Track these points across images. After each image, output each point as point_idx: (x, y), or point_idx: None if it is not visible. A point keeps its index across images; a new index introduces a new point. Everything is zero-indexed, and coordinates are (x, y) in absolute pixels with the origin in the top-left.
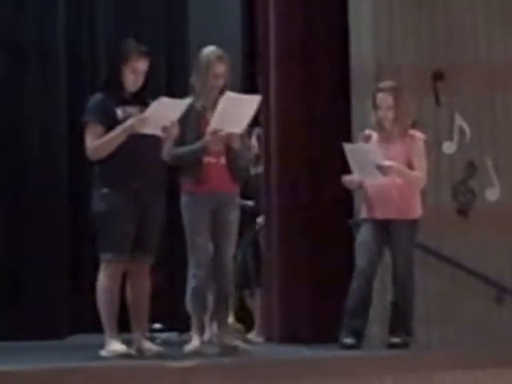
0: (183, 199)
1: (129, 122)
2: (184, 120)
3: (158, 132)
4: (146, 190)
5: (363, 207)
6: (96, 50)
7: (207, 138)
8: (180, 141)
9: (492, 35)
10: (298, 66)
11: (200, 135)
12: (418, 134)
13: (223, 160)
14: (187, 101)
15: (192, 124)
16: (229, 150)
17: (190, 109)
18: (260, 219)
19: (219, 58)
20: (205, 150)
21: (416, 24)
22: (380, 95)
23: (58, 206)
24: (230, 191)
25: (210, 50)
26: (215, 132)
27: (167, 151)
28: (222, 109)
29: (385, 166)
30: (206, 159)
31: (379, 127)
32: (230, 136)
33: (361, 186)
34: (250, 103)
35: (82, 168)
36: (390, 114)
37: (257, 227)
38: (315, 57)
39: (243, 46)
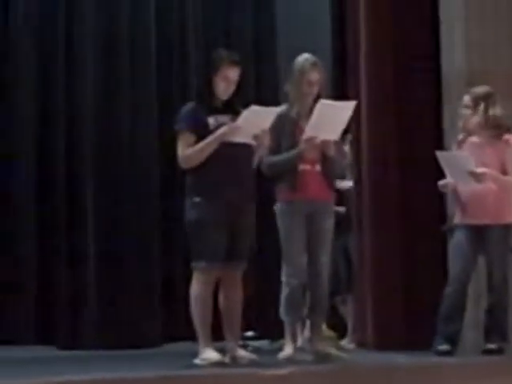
0: (279, 207)
1: (221, 131)
2: (279, 128)
3: (250, 140)
4: (237, 199)
5: (457, 212)
6: (186, 61)
7: (302, 145)
8: (275, 149)
9: None
10: (388, 71)
11: (295, 143)
12: None
13: (318, 167)
14: (278, 109)
15: (287, 132)
16: (324, 158)
17: (284, 117)
18: (341, 208)
19: (313, 65)
20: (300, 158)
21: (509, 27)
22: (465, 97)
23: (151, 215)
24: (326, 199)
25: (304, 57)
26: (310, 139)
27: (263, 160)
28: (316, 116)
29: (478, 173)
30: (302, 167)
31: (468, 131)
32: (324, 143)
33: (455, 190)
34: (344, 110)
35: (173, 177)
36: (470, 116)
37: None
38: (406, 61)
39: (333, 52)
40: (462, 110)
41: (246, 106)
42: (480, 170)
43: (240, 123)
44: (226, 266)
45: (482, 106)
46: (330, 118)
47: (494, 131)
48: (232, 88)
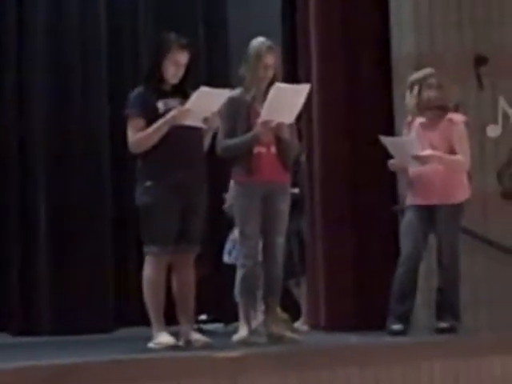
0: (234, 189)
1: (170, 114)
2: (234, 112)
3: (200, 123)
4: (188, 182)
5: (408, 193)
6: (137, 45)
7: (258, 128)
8: (230, 132)
9: None
10: (339, 54)
11: (250, 126)
12: (457, 117)
13: (273, 150)
14: (227, 91)
15: (242, 116)
16: (278, 140)
17: (239, 100)
18: (295, 190)
19: (269, 48)
20: (255, 141)
21: (457, 9)
22: (419, 75)
23: (101, 201)
24: (281, 180)
25: (259, 41)
26: (266, 123)
27: (218, 143)
28: (271, 99)
29: (422, 156)
30: (257, 149)
31: (418, 112)
32: (279, 126)
33: (405, 169)
34: (299, 93)
35: (124, 162)
36: (410, 101)
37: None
38: (356, 45)
39: (283, 36)
40: (406, 93)
41: (196, 89)
42: (424, 152)
43: (189, 106)
44: (178, 250)
45: (416, 89)
46: (285, 102)
47: (438, 112)
48: (181, 72)
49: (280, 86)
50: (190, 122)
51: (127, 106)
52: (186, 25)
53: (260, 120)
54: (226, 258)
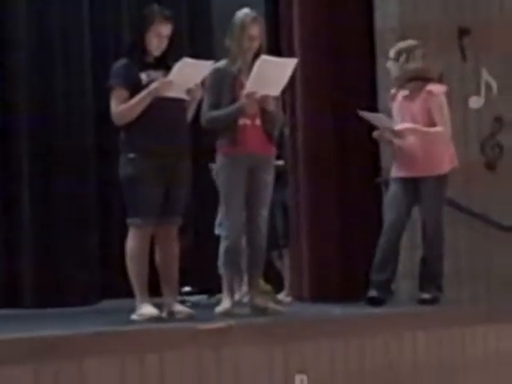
0: (219, 161)
1: (153, 86)
2: (219, 83)
3: (183, 95)
4: (172, 153)
5: (393, 165)
6: (119, 16)
7: (243, 100)
8: (215, 104)
9: None
10: (322, 25)
11: (235, 98)
12: (437, 88)
13: (258, 122)
14: (210, 62)
15: (227, 87)
16: (264, 112)
17: (224, 72)
18: (279, 162)
19: (254, 19)
20: (241, 113)
21: None
22: (391, 51)
23: (85, 173)
24: (266, 152)
25: (244, 12)
26: (251, 94)
27: (203, 114)
28: (257, 72)
29: (398, 130)
30: (242, 121)
31: (400, 83)
32: (264, 98)
33: (390, 142)
34: (285, 66)
35: (108, 134)
36: (394, 72)
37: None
38: (340, 16)
39: (266, 7)
40: (388, 64)
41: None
42: (398, 127)
43: (172, 77)
44: (161, 222)
45: (402, 59)
46: (271, 74)
47: (420, 83)
48: (164, 44)
49: (266, 59)
50: (173, 93)
51: (110, 77)
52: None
53: (245, 92)
54: (217, 230)
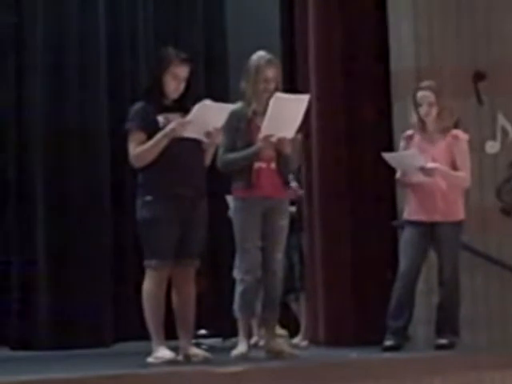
0: (234, 204)
1: (171, 126)
2: (234, 126)
3: (201, 137)
4: (188, 196)
5: (406, 209)
6: (136, 59)
7: (259, 143)
8: (230, 147)
9: None
10: (337, 69)
11: (251, 141)
12: (462, 134)
13: (273, 165)
14: (231, 106)
15: (242, 130)
16: (279, 155)
17: (240, 115)
18: (292, 208)
19: (269, 61)
20: (256, 156)
21: (456, 24)
22: (421, 93)
23: (101, 215)
24: (281, 196)
25: (259, 54)
26: (267, 137)
27: (218, 157)
28: (272, 110)
29: (428, 168)
30: (257, 165)
31: (421, 127)
32: (281, 141)
33: (411, 185)
34: (299, 103)
35: (124, 177)
36: (433, 111)
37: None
38: (355, 59)
39: (283, 50)
40: (411, 106)
41: (196, 104)
42: (430, 165)
43: (190, 118)
44: (178, 264)
45: (430, 98)
46: (285, 113)
47: (443, 125)
48: (182, 86)
49: (279, 96)
50: (190, 134)
51: (128, 120)
52: (185, 39)
53: (261, 135)
54: (235, 273)
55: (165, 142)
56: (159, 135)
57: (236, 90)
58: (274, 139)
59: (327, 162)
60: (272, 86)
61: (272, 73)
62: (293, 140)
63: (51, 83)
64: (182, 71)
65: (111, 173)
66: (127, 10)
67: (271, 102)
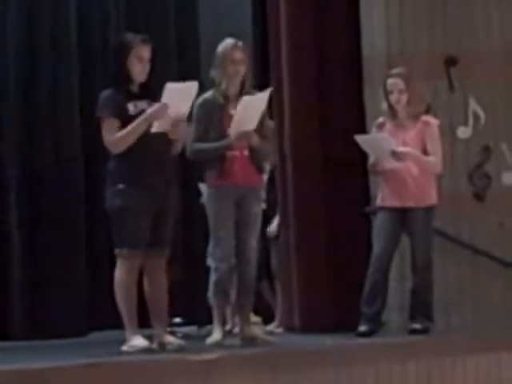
0: (207, 192)
1: (149, 111)
2: (206, 114)
3: (168, 127)
4: (160, 184)
5: (379, 195)
6: (107, 49)
7: (230, 139)
8: (202, 135)
9: (505, 19)
10: (309, 56)
11: (223, 130)
12: (433, 120)
13: (247, 152)
14: (196, 83)
15: (215, 118)
16: (251, 145)
17: (211, 103)
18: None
19: (235, 45)
20: (228, 149)
21: (428, 10)
22: (390, 80)
23: (73, 204)
24: (254, 184)
25: (226, 40)
26: (239, 137)
27: (188, 146)
28: (241, 113)
29: (400, 152)
30: (230, 152)
31: (392, 114)
32: (248, 135)
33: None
34: (262, 100)
35: (95, 164)
36: (403, 98)
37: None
38: (327, 46)
39: (254, 37)
40: (395, 94)
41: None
42: (401, 149)
43: (165, 101)
44: (149, 253)
45: (400, 85)
46: (250, 111)
47: (413, 111)
48: (147, 68)
49: (246, 99)
50: (160, 127)
51: (100, 106)
52: (157, 27)
53: (233, 135)
54: (208, 261)
55: (144, 127)
56: (139, 119)
57: (209, 78)
58: (245, 136)
59: (300, 151)
60: (242, 68)
61: (239, 54)
62: (263, 128)
63: (23, 70)
64: (145, 51)
65: (84, 160)
66: None
67: (239, 106)
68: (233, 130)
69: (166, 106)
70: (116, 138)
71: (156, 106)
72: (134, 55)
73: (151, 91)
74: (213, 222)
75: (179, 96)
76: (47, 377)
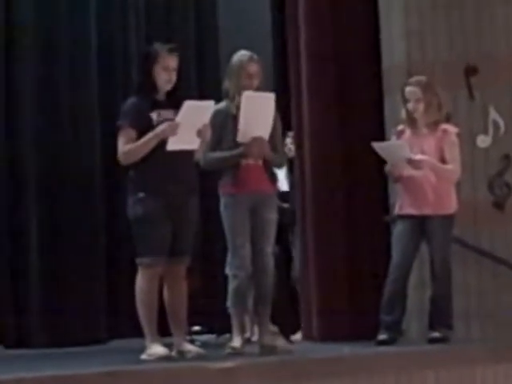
0: (222, 201)
1: (160, 128)
2: (219, 124)
3: (191, 146)
4: (180, 193)
5: (397, 203)
6: (128, 58)
7: (242, 148)
8: (215, 145)
9: None
10: (329, 64)
11: (236, 139)
12: (451, 128)
13: (260, 161)
14: (212, 102)
15: (228, 129)
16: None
17: (224, 113)
18: (285, 204)
19: (251, 58)
20: (241, 158)
21: (447, 19)
22: (408, 88)
23: (94, 212)
24: (268, 191)
25: (241, 52)
26: (251, 145)
27: (202, 155)
28: (244, 109)
29: (415, 160)
30: (245, 161)
31: (410, 122)
32: (260, 144)
33: (400, 177)
34: (267, 101)
35: (116, 173)
36: (420, 107)
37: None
38: (347, 55)
39: (274, 46)
40: (412, 103)
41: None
42: (417, 157)
43: (178, 119)
44: (169, 262)
45: (417, 94)
46: (257, 111)
47: (431, 119)
48: (173, 78)
49: (248, 95)
50: (182, 145)
51: (120, 115)
52: (177, 37)
53: (239, 134)
54: (227, 270)
55: (154, 143)
56: (150, 135)
57: (223, 88)
58: (252, 143)
59: (320, 159)
60: (255, 82)
61: (254, 68)
62: (271, 142)
63: (41, 83)
64: (172, 61)
65: (102, 169)
66: (118, 7)
67: (242, 100)
68: (241, 128)
69: (176, 125)
70: (125, 150)
71: (166, 124)
72: (160, 65)
73: (177, 100)
74: (229, 230)
75: (196, 114)
76: None
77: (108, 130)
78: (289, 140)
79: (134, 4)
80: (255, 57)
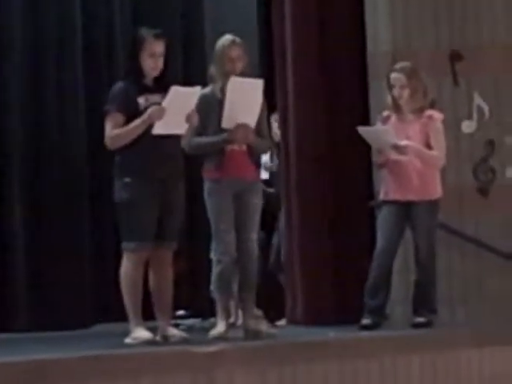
0: (206, 186)
1: (147, 113)
2: (204, 109)
3: (178, 130)
4: (166, 178)
5: (382, 189)
6: (113, 44)
7: (228, 134)
8: (200, 130)
9: (509, 14)
10: (314, 50)
11: (221, 124)
12: (436, 114)
13: (244, 147)
14: (199, 88)
15: (213, 112)
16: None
17: (210, 98)
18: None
19: (232, 42)
20: (227, 144)
21: (432, 6)
22: (393, 75)
23: (79, 196)
24: (252, 177)
25: (223, 37)
26: (237, 131)
27: (187, 140)
28: (230, 94)
29: (400, 146)
30: (229, 147)
31: (395, 108)
32: (245, 131)
33: (387, 159)
34: (254, 87)
35: (101, 157)
36: (405, 93)
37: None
38: (332, 41)
39: (260, 34)
40: (398, 89)
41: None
42: (403, 142)
43: (165, 105)
44: (155, 246)
45: (402, 80)
46: (244, 97)
47: (416, 105)
48: (160, 63)
49: (235, 80)
50: (168, 129)
51: (108, 100)
52: (163, 23)
53: (224, 119)
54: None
55: (142, 128)
56: (137, 121)
57: (209, 73)
58: (237, 128)
59: (304, 145)
60: (238, 65)
61: (236, 52)
62: (260, 127)
63: (28, 66)
64: (158, 47)
65: (88, 153)
66: None
67: (228, 86)
68: (226, 113)
69: (163, 109)
70: (112, 134)
71: (153, 108)
72: (146, 51)
73: (165, 85)
74: (213, 215)
75: (182, 100)
76: (50, 368)
77: (93, 113)
78: (275, 125)
79: None
80: (238, 40)
